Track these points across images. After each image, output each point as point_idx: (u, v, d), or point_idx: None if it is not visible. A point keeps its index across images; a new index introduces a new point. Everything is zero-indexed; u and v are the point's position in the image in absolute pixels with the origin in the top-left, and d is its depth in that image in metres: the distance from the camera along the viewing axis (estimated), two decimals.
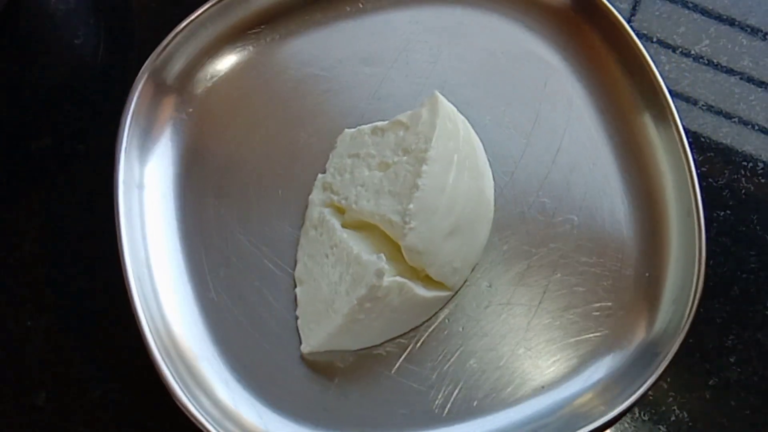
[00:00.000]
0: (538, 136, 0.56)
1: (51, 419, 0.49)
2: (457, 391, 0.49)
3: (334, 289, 0.48)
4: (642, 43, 0.61)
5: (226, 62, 0.58)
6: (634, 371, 0.49)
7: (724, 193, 0.56)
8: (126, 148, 0.52)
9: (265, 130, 0.56)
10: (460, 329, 0.50)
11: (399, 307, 0.47)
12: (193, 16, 0.56)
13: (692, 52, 0.62)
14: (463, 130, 0.51)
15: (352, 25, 0.60)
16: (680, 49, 0.62)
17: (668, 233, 0.53)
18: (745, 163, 0.57)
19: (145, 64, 0.54)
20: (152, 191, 0.53)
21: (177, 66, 0.56)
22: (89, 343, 0.51)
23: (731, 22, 0.63)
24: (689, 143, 0.54)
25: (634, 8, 0.64)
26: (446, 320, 0.51)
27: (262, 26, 0.59)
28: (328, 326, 0.47)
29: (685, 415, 0.49)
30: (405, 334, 0.50)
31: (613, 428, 0.49)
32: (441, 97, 0.50)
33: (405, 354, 0.49)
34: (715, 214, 0.55)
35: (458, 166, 0.49)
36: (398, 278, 0.46)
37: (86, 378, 0.50)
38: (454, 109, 0.51)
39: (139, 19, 0.64)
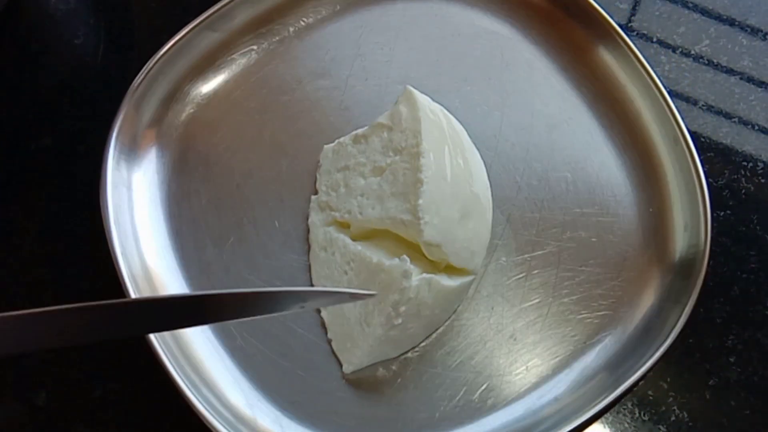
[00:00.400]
0: (509, 106, 0.57)
1: (51, 419, 0.49)
2: (504, 369, 0.49)
3: (363, 304, 0.47)
4: (642, 43, 0.61)
5: (188, 106, 0.56)
6: (669, 306, 0.50)
7: (724, 194, 0.56)
8: (114, 218, 0.50)
9: (246, 166, 0.55)
10: (491, 308, 0.51)
11: (431, 303, 0.47)
12: (154, 60, 0.55)
13: (692, 52, 0.62)
14: (444, 117, 0.51)
15: (300, 45, 0.59)
16: (680, 49, 0.62)
17: (661, 165, 0.55)
18: (745, 163, 0.57)
19: (114, 122, 0.53)
20: (152, 256, 0.51)
21: (144, 119, 0.55)
22: (89, 344, 0.51)
23: (731, 22, 0.63)
24: (657, 76, 0.55)
25: (634, 8, 0.64)
26: (475, 304, 0.51)
27: (217, 62, 0.58)
28: (367, 341, 0.47)
29: (685, 415, 0.49)
30: (439, 328, 0.50)
31: (613, 428, 0.49)
32: (415, 91, 0.50)
33: (445, 347, 0.49)
34: (715, 214, 0.55)
35: (451, 152, 0.49)
36: (424, 275, 0.47)
37: (86, 378, 0.50)
38: (429, 99, 0.51)
39: (139, 19, 0.64)
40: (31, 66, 0.62)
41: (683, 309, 0.48)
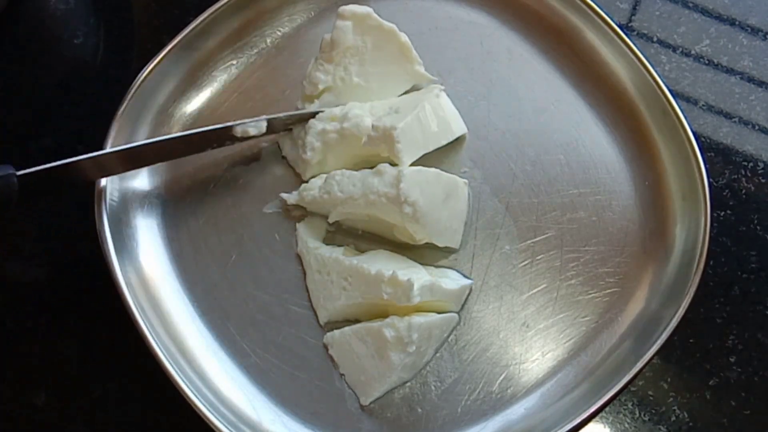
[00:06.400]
0: (495, 94, 0.57)
1: (51, 419, 0.49)
2: (520, 357, 0.49)
3: (373, 336, 0.47)
4: (642, 43, 0.61)
5: (174, 128, 0.56)
6: (676, 275, 0.50)
7: (725, 193, 0.56)
8: (114, 248, 0.50)
9: (240, 180, 0.55)
10: (501, 298, 0.51)
11: (439, 322, 0.48)
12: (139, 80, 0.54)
13: (692, 52, 0.62)
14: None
15: (279, 55, 0.59)
16: (680, 49, 0.62)
17: (652, 137, 0.55)
18: (745, 163, 0.57)
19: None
20: (155, 282, 0.51)
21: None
22: (89, 343, 0.51)
23: (731, 22, 0.63)
24: (636, 47, 0.55)
25: (634, 8, 0.64)
26: (484, 295, 0.51)
27: (198, 81, 0.57)
28: (382, 372, 0.47)
29: (685, 415, 0.49)
30: (452, 330, 0.50)
31: (613, 428, 0.49)
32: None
33: (459, 342, 0.50)
34: (715, 214, 0.55)
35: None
36: (425, 281, 0.47)
37: (86, 378, 0.50)
38: None
39: (139, 19, 0.64)
40: (31, 66, 0.62)
41: (692, 277, 0.49)
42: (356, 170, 0.53)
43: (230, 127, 0.52)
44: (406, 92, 0.57)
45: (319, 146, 0.52)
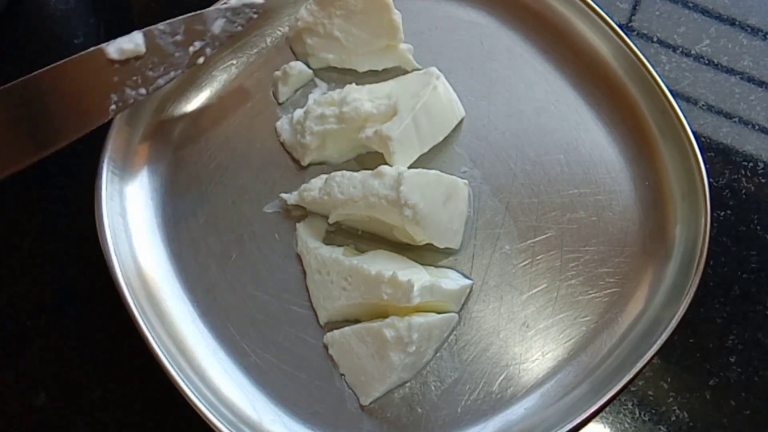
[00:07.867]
0: (495, 94, 0.58)
1: (51, 419, 0.49)
2: (520, 357, 0.49)
3: (373, 336, 0.47)
4: (642, 43, 0.61)
5: (174, 128, 0.56)
6: (676, 275, 0.50)
7: (725, 193, 0.56)
8: (114, 248, 0.50)
9: (239, 182, 0.54)
10: (501, 298, 0.51)
11: (439, 322, 0.48)
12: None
13: (692, 52, 0.62)
14: None
15: (280, 55, 0.59)
16: (680, 49, 0.62)
17: (652, 137, 0.55)
18: (745, 163, 0.57)
19: (103, 152, 0.52)
20: (155, 282, 0.51)
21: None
22: (89, 343, 0.51)
23: (731, 22, 0.63)
24: (644, 54, 0.55)
25: (634, 8, 0.64)
26: (484, 295, 0.51)
27: (198, 80, 0.58)
28: (383, 372, 0.47)
29: (685, 415, 0.49)
30: (452, 330, 0.50)
31: (613, 428, 0.49)
32: None
33: (459, 342, 0.49)
34: (715, 214, 0.55)
35: None
36: (425, 282, 0.47)
37: (86, 378, 0.50)
38: None
39: (139, 19, 0.64)
40: (31, 66, 0.61)
41: (692, 277, 0.48)
42: (354, 156, 0.54)
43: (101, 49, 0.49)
44: (399, 69, 0.58)
45: (319, 131, 0.53)
